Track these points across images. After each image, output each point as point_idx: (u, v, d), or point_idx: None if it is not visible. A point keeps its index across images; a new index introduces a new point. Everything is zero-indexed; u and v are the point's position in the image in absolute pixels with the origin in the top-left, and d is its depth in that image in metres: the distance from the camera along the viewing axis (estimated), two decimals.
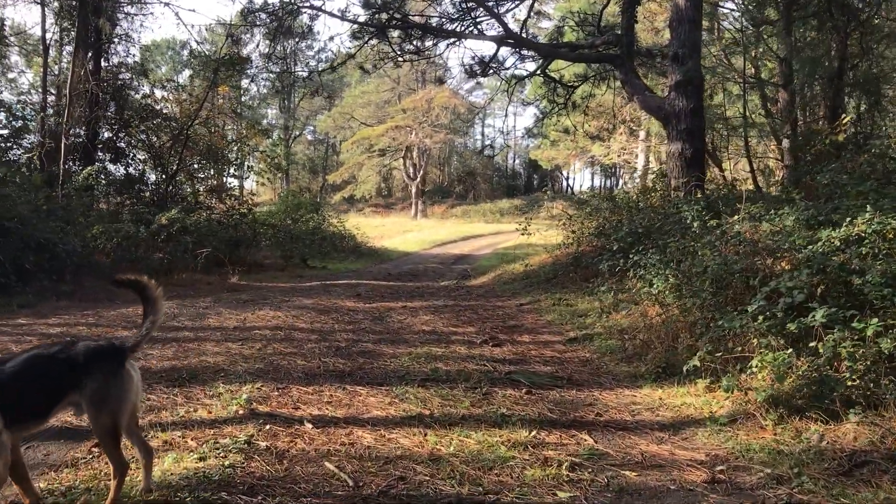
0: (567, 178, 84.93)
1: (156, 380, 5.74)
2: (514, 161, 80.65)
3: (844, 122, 9.14)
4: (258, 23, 16.49)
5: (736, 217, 8.10)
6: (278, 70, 18.81)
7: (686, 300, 7.38)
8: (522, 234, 13.95)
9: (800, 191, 11.29)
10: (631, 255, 8.81)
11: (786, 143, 17.80)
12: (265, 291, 11.43)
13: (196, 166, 20.09)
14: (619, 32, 15.71)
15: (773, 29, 18.82)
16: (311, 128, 75.02)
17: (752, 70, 20.94)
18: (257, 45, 19.32)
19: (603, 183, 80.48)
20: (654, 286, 7.84)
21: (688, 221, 8.42)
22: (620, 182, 62.66)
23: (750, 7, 19.87)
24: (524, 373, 6.01)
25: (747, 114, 19.90)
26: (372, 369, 6.12)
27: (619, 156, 32.96)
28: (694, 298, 6.63)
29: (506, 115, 76.03)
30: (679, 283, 7.66)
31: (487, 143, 21.74)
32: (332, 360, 6.39)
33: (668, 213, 11.13)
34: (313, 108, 71.09)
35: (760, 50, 20.29)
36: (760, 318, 5.32)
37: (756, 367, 5.02)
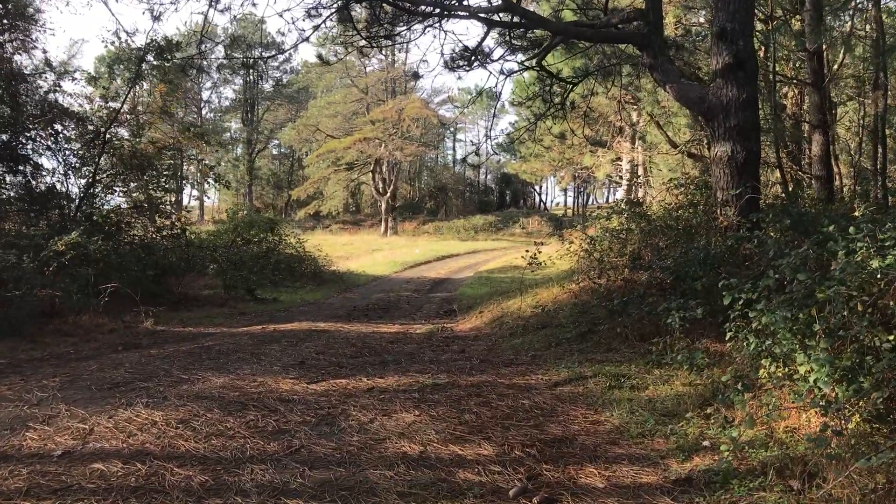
0: (540, 194, 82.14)
1: None
2: (487, 176, 77.83)
3: None
4: None
5: None
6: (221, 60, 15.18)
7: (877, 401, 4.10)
8: (528, 266, 10.62)
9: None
10: (735, 306, 5.44)
11: (815, 149, 14.93)
12: (167, 356, 7.80)
13: (120, 178, 16.36)
14: (643, 7, 12.48)
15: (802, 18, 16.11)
16: (276, 141, 71.21)
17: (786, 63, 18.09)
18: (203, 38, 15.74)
19: (576, 199, 77.87)
20: (807, 372, 4.49)
21: (843, 255, 5.06)
22: (612, 195, 59.91)
23: None
24: None
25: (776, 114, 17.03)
26: None
27: (612, 166, 29.81)
28: None
29: (491, 122, 73.23)
30: (854, 364, 4.35)
31: (472, 150, 18.59)
32: None
33: (740, 238, 7.88)
34: (277, 121, 67.39)
35: (793, 43, 17.40)
36: None
37: None
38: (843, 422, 4.15)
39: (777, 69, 17.96)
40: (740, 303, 5.61)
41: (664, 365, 6.35)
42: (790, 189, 14.92)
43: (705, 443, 4.53)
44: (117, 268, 12.86)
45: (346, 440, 4.75)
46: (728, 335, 5.71)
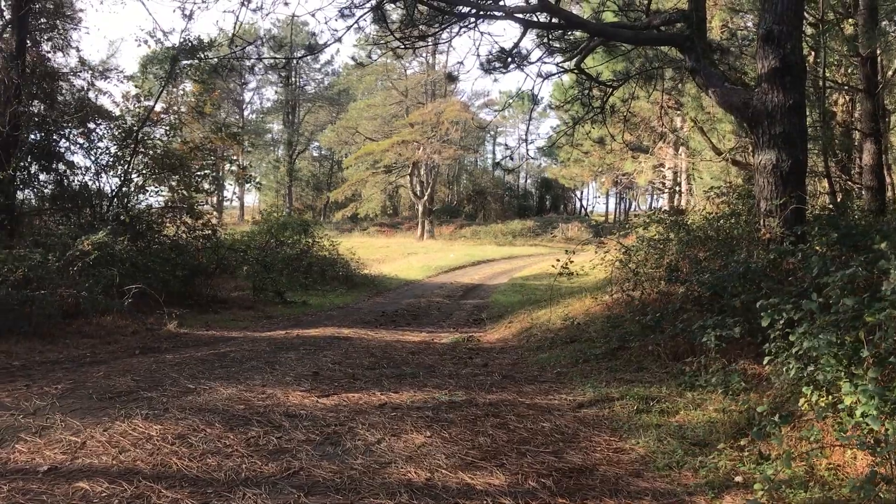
0: (581, 200, 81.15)
1: None
2: (526, 181, 77.12)
3: None
4: None
5: None
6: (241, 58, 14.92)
7: None
8: (561, 275, 10.22)
9: None
10: (776, 326, 5.02)
11: (867, 158, 14.29)
12: (179, 362, 7.60)
13: (152, 177, 16.30)
14: (686, 8, 12.00)
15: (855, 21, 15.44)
16: (316, 143, 71.49)
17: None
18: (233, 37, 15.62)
19: (618, 205, 76.76)
20: (853, 404, 4.07)
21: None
22: (655, 201, 58.98)
23: None
24: None
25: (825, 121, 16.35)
26: None
27: (654, 173, 29.14)
28: None
29: (527, 126, 72.62)
30: None
31: (507, 153, 18.17)
32: None
33: (783, 252, 7.42)
34: (318, 123, 67.68)
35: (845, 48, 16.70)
36: None
37: None
38: (892, 465, 3.71)
39: (827, 75, 17.26)
40: (781, 322, 5.19)
41: (697, 387, 5.92)
42: (838, 200, 14.27)
43: (738, 478, 4.12)
44: (144, 269, 12.75)
45: (350, 463, 4.43)
46: (767, 358, 5.27)
